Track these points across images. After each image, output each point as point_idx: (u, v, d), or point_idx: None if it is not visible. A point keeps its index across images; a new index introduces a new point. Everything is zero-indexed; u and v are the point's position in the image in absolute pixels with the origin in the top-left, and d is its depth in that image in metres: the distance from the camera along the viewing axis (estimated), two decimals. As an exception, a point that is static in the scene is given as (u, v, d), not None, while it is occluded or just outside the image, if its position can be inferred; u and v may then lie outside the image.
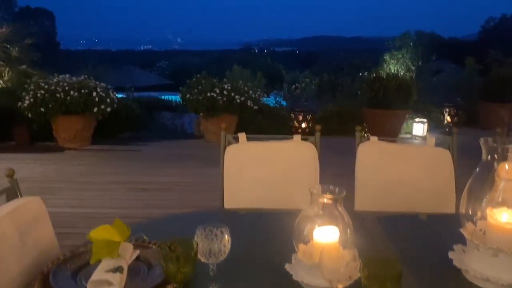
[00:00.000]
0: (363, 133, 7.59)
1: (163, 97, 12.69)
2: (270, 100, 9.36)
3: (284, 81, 24.96)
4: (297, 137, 2.48)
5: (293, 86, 23.61)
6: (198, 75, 6.82)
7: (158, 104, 9.91)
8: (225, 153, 2.33)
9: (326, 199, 1.14)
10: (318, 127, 2.57)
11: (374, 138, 2.41)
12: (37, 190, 4.38)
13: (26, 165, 5.32)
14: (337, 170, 4.92)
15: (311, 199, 1.16)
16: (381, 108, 6.72)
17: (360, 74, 22.73)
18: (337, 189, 1.16)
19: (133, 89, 13.61)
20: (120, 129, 7.10)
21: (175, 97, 7.75)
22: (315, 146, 2.47)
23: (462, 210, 1.33)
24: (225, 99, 6.40)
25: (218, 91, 6.40)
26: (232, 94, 6.43)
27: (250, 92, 6.61)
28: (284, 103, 8.74)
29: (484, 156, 1.35)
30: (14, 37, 7.60)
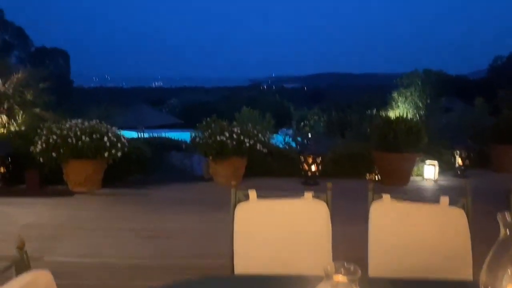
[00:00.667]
0: (374, 176, 7.56)
1: (172, 134, 12.88)
2: (278, 138, 9.39)
3: (292, 118, 25.26)
4: (308, 195, 2.45)
5: (302, 123, 23.90)
6: (208, 119, 6.90)
7: (167, 144, 10.02)
8: (235, 212, 2.31)
9: (340, 279, 1.11)
10: (329, 184, 2.56)
11: (386, 197, 2.39)
12: (46, 238, 4.36)
13: (36, 210, 5.34)
14: (349, 217, 4.89)
15: (324, 277, 1.13)
16: (392, 152, 6.70)
17: (369, 111, 22.96)
18: (352, 267, 1.13)
19: (143, 129, 13.88)
20: (130, 172, 7.15)
21: (185, 135, 7.86)
22: (327, 204, 2.44)
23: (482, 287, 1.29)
24: (234, 142, 6.44)
25: (227, 134, 6.45)
26: (242, 138, 6.48)
27: (259, 135, 6.65)
28: (293, 144, 8.75)
29: (502, 232, 1.32)
30: (29, 81, 7.82)
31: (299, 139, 9.16)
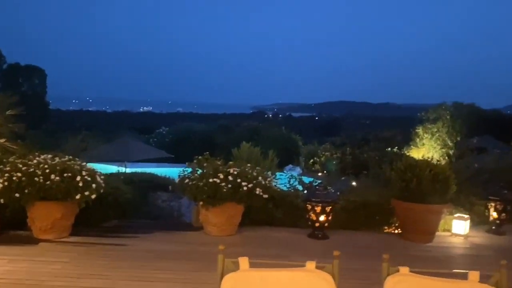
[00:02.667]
0: (394, 229, 7.44)
1: (160, 170, 12.78)
2: (282, 179, 9.31)
3: (300, 154, 25.23)
4: (310, 265, 2.38)
5: (311, 160, 23.88)
6: (199, 157, 6.87)
7: (154, 182, 9.94)
8: (222, 284, 2.24)
9: None
10: (336, 253, 2.49)
11: (404, 270, 2.31)
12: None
13: (-9, 262, 5.22)
14: (362, 283, 4.73)
15: None
16: (414, 201, 6.61)
17: (389, 149, 22.93)
18: None
19: (125, 164, 13.84)
20: (106, 217, 7.08)
21: (175, 171, 7.81)
22: (333, 277, 2.36)
23: None
24: (230, 186, 6.38)
25: (222, 176, 6.40)
26: (238, 181, 6.42)
27: (260, 178, 6.60)
28: (299, 187, 8.68)
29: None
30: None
31: (305, 180, 9.09)
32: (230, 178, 6.41)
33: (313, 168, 22.28)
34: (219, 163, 6.77)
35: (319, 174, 20.10)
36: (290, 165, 21.81)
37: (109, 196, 6.98)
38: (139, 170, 11.95)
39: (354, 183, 13.96)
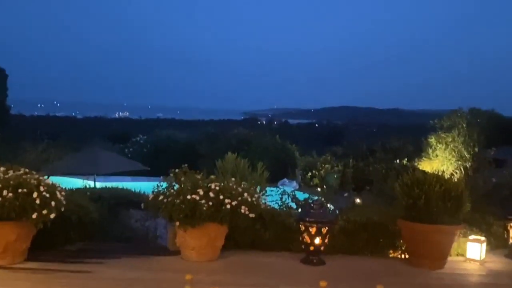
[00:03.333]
0: (399, 253, 7.40)
1: (135, 185, 12.69)
2: (274, 195, 9.26)
3: (297, 166, 25.21)
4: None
5: (309, 174, 23.88)
6: (176, 170, 6.81)
7: (126, 199, 9.85)
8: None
9: None
10: (323, 283, 2.44)
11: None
12: None
13: None
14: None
15: None
16: (423, 222, 6.57)
17: (397, 161, 22.97)
18: None
19: (94, 178, 13.74)
20: (68, 239, 7.00)
21: (151, 186, 7.74)
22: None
23: None
24: (211, 203, 6.32)
25: (201, 192, 6.34)
26: (221, 197, 6.37)
27: (245, 194, 6.54)
28: (293, 204, 8.63)
29: None
30: None
31: (301, 197, 9.04)
32: (211, 194, 6.35)
33: (311, 183, 22.28)
34: (198, 177, 6.71)
35: (318, 189, 20.08)
36: (285, 179, 21.78)
37: (72, 215, 6.92)
38: (110, 184, 11.87)
39: (358, 200, 13.98)
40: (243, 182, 6.94)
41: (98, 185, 13.05)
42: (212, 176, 6.86)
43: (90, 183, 12.97)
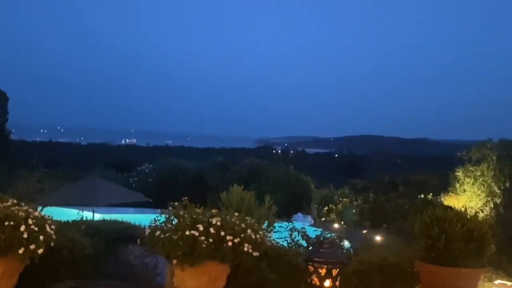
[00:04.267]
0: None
1: (136, 217, 12.66)
2: (283, 232, 9.18)
3: (312, 200, 25.09)
4: None
5: (326, 208, 23.72)
6: (176, 203, 6.77)
7: (125, 233, 9.82)
8: None
9: None
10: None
11: None
12: None
13: None
14: None
15: None
16: (443, 264, 6.42)
17: (422, 196, 22.72)
18: None
19: (93, 210, 13.75)
20: (58, 276, 6.96)
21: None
22: None
23: None
24: (211, 240, 6.24)
25: (201, 228, 6.27)
26: (222, 234, 6.28)
27: (249, 231, 6.46)
28: (304, 243, 8.55)
29: None
30: None
31: (311, 234, 8.95)
32: (211, 230, 6.27)
33: (327, 218, 22.09)
34: (199, 211, 6.65)
35: (335, 225, 19.90)
36: (300, 214, 21.66)
37: (63, 250, 6.88)
38: (110, 216, 11.87)
39: (378, 238, 13.79)
40: (247, 218, 6.86)
41: (98, 216, 13.05)
42: (214, 211, 6.79)
43: (88, 215, 12.98)
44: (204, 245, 6.21)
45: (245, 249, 6.36)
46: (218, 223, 6.41)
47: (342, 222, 20.81)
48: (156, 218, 6.84)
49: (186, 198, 6.95)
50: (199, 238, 6.23)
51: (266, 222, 8.75)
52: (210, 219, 6.48)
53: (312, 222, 20.62)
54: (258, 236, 6.62)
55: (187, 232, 6.25)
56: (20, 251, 5.86)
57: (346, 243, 10.87)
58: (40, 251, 6.00)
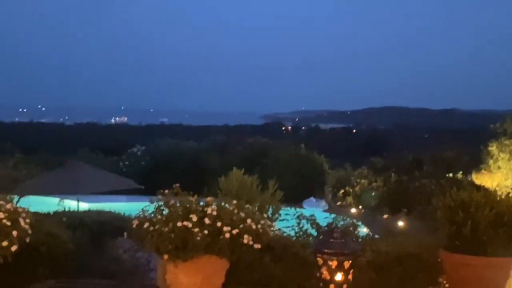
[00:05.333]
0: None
1: (126, 206, 12.70)
2: (290, 220, 9.19)
3: (326, 182, 25.09)
4: None
5: (341, 191, 23.76)
6: (166, 191, 6.78)
7: (113, 224, 9.86)
8: None
9: None
10: None
11: None
12: None
13: None
14: None
15: None
16: (469, 253, 6.43)
17: (451, 175, 22.62)
18: None
19: (78, 199, 13.81)
20: (35, 276, 6.98)
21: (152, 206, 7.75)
22: None
23: None
24: (206, 232, 6.25)
25: (195, 218, 6.28)
26: (219, 224, 6.30)
27: (249, 221, 6.47)
28: (313, 232, 8.56)
29: None
30: None
31: (323, 221, 8.95)
32: (206, 221, 6.28)
33: (343, 202, 22.12)
34: (192, 199, 6.66)
35: (353, 210, 19.92)
36: (312, 198, 21.65)
37: (41, 246, 6.91)
38: (97, 206, 11.92)
39: (400, 223, 13.81)
40: (246, 205, 6.87)
41: (84, 207, 13.08)
42: (209, 198, 6.79)
43: (73, 205, 13.02)
44: (198, 238, 6.23)
45: (245, 241, 6.39)
46: (214, 213, 6.42)
47: (360, 207, 20.83)
48: (144, 208, 6.87)
49: (177, 184, 6.97)
50: (193, 230, 6.25)
51: (270, 209, 8.76)
52: (205, 208, 6.49)
53: (327, 207, 20.66)
54: (259, 226, 6.63)
55: (179, 224, 6.28)
56: (-8, 249, 5.91)
57: (364, 231, 10.90)
58: (13, 248, 6.04)
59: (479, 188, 11.18)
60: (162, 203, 6.72)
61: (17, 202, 7.87)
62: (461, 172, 23.49)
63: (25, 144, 36.47)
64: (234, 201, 6.90)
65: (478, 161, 23.91)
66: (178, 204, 6.62)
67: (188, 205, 6.58)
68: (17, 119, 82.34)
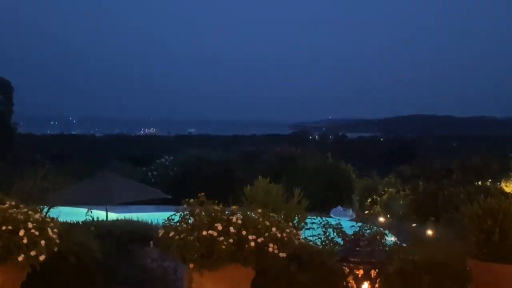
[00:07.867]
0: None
1: (158, 216, 12.72)
2: (316, 229, 9.12)
3: (353, 191, 24.93)
4: None
5: (369, 200, 23.56)
6: (192, 200, 6.79)
7: (140, 234, 9.91)
8: None
9: None
10: None
11: None
12: None
13: None
14: None
15: None
16: (499, 261, 6.33)
17: (480, 183, 22.34)
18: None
19: (106, 209, 13.92)
20: (65, 285, 7.04)
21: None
22: None
23: None
24: (231, 240, 6.23)
25: (220, 227, 6.26)
26: (244, 233, 6.27)
27: (274, 229, 6.43)
28: (339, 240, 8.47)
29: None
30: None
31: (349, 230, 8.86)
32: (231, 229, 6.26)
33: (371, 211, 21.94)
34: (217, 208, 6.65)
35: (380, 219, 19.73)
36: (340, 207, 21.44)
37: (70, 255, 6.95)
38: (124, 216, 11.98)
39: (429, 231, 13.63)
40: (271, 214, 6.83)
41: (112, 216, 13.16)
42: (234, 207, 6.79)
43: (102, 214, 13.11)
44: (223, 247, 6.21)
45: (270, 249, 6.34)
46: (239, 221, 6.39)
47: (388, 216, 20.63)
48: (170, 217, 6.88)
49: (203, 193, 6.97)
50: (218, 239, 6.23)
51: (296, 218, 8.71)
52: (230, 217, 6.47)
53: (354, 216, 20.48)
54: (284, 234, 6.59)
55: (204, 232, 6.26)
56: (20, 258, 5.93)
57: (391, 239, 10.78)
58: (42, 257, 6.06)
59: (508, 195, 11.03)
60: (188, 212, 6.74)
61: (47, 212, 7.92)
62: (490, 179, 23.23)
63: (56, 155, 36.96)
64: (259, 210, 6.87)
65: (507, 169, 23.71)
66: (203, 213, 6.62)
67: (213, 214, 6.58)
68: (48, 131, 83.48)
